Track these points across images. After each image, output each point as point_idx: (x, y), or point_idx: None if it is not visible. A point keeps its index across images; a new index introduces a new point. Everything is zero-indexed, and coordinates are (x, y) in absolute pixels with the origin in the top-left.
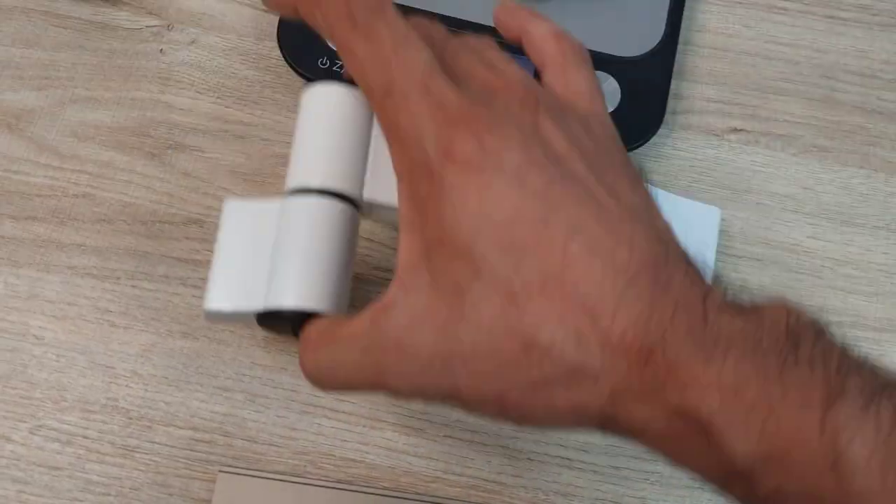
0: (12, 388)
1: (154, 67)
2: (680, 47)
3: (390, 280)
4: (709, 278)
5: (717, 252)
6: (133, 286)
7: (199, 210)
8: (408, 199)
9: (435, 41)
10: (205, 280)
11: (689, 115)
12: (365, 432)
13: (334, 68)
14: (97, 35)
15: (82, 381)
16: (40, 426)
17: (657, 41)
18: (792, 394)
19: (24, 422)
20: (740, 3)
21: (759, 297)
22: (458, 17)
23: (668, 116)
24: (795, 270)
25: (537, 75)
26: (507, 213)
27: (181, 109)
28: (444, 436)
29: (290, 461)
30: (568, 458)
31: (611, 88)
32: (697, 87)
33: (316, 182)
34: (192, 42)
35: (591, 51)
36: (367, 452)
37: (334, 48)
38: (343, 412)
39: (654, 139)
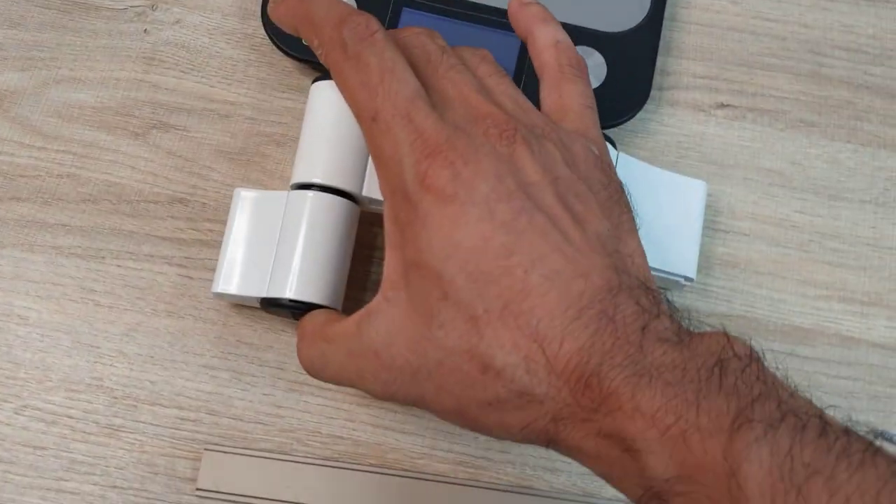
0: None
1: (138, 47)
2: (666, 23)
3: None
4: (662, 307)
5: (705, 227)
6: (118, 265)
7: (184, 189)
8: (391, 220)
9: (431, 55)
10: (189, 259)
11: (675, 91)
12: (352, 409)
13: None
14: (81, 15)
15: (67, 361)
16: (25, 406)
17: (643, 16)
18: (704, 422)
19: (9, 402)
20: None
21: (704, 326)
22: (477, 1)
23: (654, 93)
24: (783, 245)
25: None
26: (475, 241)
27: (166, 89)
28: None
29: (276, 439)
30: None
31: (596, 64)
32: (684, 62)
33: (318, 178)
34: (177, 22)
35: (576, 26)
36: (353, 429)
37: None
38: (330, 389)
39: (641, 115)
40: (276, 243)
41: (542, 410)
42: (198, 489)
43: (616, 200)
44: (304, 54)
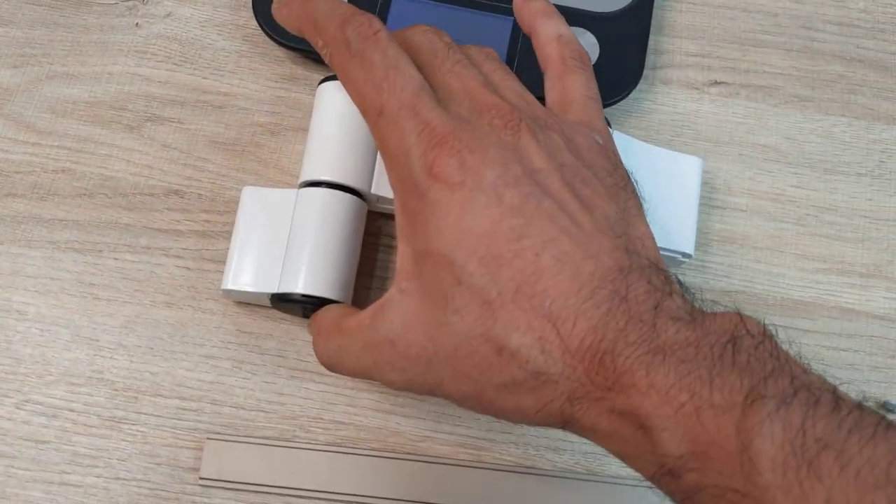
0: None
1: (130, 41)
2: (658, 2)
3: None
4: (673, 287)
5: (702, 205)
6: (115, 258)
7: (180, 181)
8: (401, 211)
9: (437, 52)
10: (187, 250)
11: (668, 70)
12: (353, 395)
13: None
14: (72, 11)
15: (67, 355)
16: (26, 401)
17: None
18: (717, 399)
19: (10, 397)
20: None
21: (718, 306)
22: None
23: (647, 72)
24: (780, 219)
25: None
26: (485, 227)
27: (158, 82)
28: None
29: (278, 426)
30: None
31: (589, 44)
32: (676, 41)
33: (327, 176)
34: (168, 15)
35: (568, 7)
36: (355, 414)
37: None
38: (330, 376)
39: (634, 94)
40: (285, 240)
41: (558, 391)
42: (201, 478)
43: (622, 187)
44: (295, 43)
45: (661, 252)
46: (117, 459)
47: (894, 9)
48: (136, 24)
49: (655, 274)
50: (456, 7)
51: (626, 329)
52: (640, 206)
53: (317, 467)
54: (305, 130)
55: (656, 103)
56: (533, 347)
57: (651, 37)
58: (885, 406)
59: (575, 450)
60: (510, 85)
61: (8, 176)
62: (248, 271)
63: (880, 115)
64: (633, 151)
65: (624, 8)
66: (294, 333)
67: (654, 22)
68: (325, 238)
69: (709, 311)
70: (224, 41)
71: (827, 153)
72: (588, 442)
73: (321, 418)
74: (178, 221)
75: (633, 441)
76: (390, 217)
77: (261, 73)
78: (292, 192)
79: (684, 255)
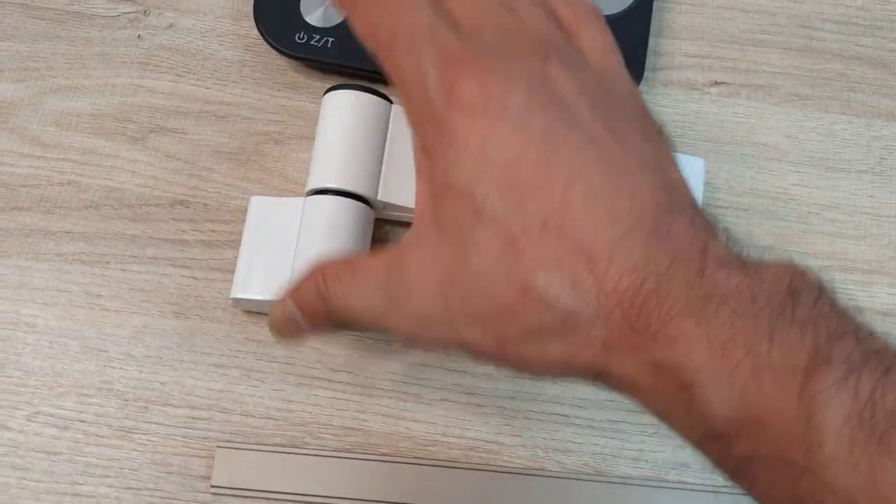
0: (7, 377)
1: (132, 53)
2: (657, 4)
3: None
4: (718, 233)
5: (704, 204)
6: (122, 270)
7: (185, 191)
8: (418, 149)
9: None
10: (193, 259)
11: (669, 71)
12: (361, 401)
13: (311, 42)
14: (74, 24)
15: (76, 367)
16: (37, 413)
17: None
18: (777, 357)
19: (21, 409)
20: None
21: (766, 255)
22: None
23: (648, 73)
24: (782, 218)
25: None
26: (508, 155)
27: (162, 93)
28: (441, 399)
29: (288, 433)
30: (565, 415)
31: None
32: (676, 42)
33: (334, 183)
34: (170, 26)
35: None
36: (364, 420)
37: (341, 12)
38: (339, 382)
39: None
40: (293, 248)
41: (591, 336)
42: (212, 486)
43: (656, 131)
44: (297, 52)
45: None
46: (129, 469)
47: (892, 6)
48: (139, 35)
49: (699, 215)
50: None
51: (671, 272)
52: (673, 155)
53: (327, 473)
54: (309, 139)
55: (658, 105)
56: (563, 285)
57: (650, 38)
58: None
59: (584, 451)
60: (537, 12)
61: (14, 189)
62: (256, 280)
63: (880, 112)
64: None
65: (623, 11)
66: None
67: (653, 24)
68: (333, 245)
69: (752, 259)
70: (226, 51)
71: (828, 151)
72: (597, 443)
73: (331, 424)
74: (184, 231)
75: (676, 400)
76: (397, 224)
77: (263, 82)
78: (299, 200)
79: None
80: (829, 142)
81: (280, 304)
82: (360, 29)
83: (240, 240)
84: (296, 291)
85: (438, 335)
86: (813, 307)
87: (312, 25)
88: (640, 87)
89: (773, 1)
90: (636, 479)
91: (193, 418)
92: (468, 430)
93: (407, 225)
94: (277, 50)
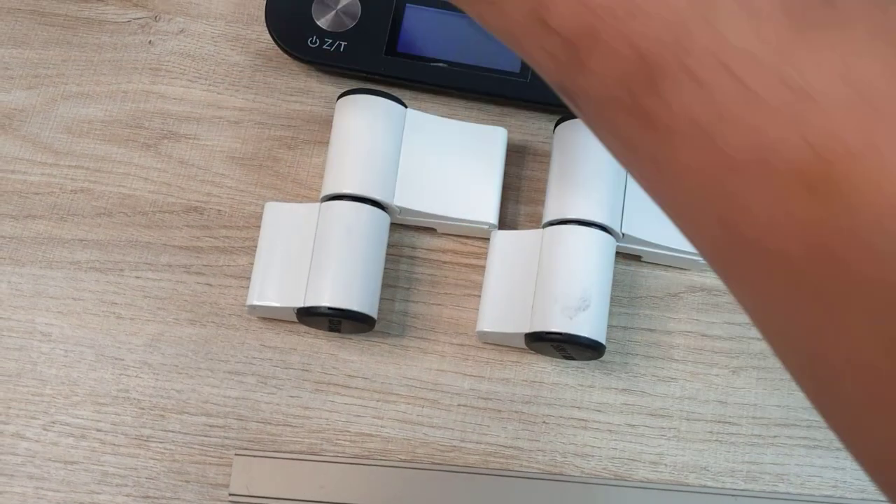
0: (23, 386)
1: (144, 59)
2: None
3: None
4: None
5: None
6: (137, 277)
7: (198, 197)
8: None
9: None
10: (208, 266)
11: None
12: (379, 406)
13: (323, 47)
14: (85, 30)
15: (92, 375)
16: (53, 422)
17: None
18: None
19: (37, 418)
20: None
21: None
22: None
23: None
24: None
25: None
26: None
27: (174, 99)
28: (459, 405)
29: (305, 440)
30: (583, 420)
31: None
32: None
33: (349, 189)
34: (181, 31)
35: None
36: (382, 426)
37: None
38: (355, 388)
39: None
40: (309, 254)
41: None
42: (231, 494)
43: None
44: (310, 56)
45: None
46: (146, 478)
47: None
48: (150, 41)
49: None
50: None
51: None
52: None
53: (345, 480)
54: (322, 143)
55: None
56: None
57: None
58: None
59: (602, 455)
60: None
61: (27, 197)
62: (273, 287)
63: None
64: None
65: None
66: (318, 347)
67: None
68: (349, 251)
69: None
70: (238, 56)
71: None
72: (616, 447)
73: (348, 431)
74: (198, 238)
75: None
76: (413, 228)
77: (275, 87)
78: (315, 206)
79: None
80: None
81: None
82: None
83: (254, 246)
84: None
85: None
86: None
87: (324, 30)
88: None
89: None
90: (655, 483)
91: (210, 426)
92: (486, 435)
93: (424, 230)
94: (289, 54)
